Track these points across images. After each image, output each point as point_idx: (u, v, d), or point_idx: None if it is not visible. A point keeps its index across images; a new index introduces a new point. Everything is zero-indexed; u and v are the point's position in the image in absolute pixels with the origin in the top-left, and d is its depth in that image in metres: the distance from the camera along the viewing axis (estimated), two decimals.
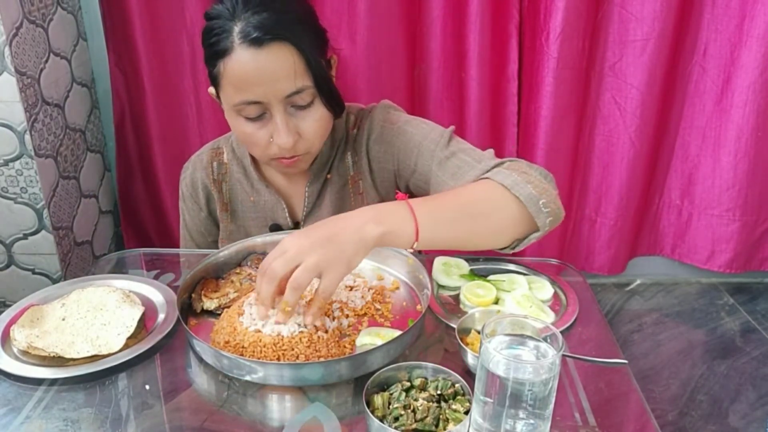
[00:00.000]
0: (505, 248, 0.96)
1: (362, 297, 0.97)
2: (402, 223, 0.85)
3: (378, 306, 0.96)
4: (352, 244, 0.81)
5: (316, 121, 1.00)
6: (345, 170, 1.16)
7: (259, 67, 0.93)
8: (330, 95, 1.01)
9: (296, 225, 1.18)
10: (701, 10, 1.90)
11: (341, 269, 0.81)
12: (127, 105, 1.98)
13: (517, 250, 0.96)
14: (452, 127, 1.09)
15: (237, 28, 0.93)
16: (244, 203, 1.19)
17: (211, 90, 1.05)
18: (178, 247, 1.29)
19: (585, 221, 2.18)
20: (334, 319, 0.91)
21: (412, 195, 1.16)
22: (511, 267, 1.07)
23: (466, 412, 0.72)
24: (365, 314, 0.94)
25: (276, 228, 1.17)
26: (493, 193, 0.92)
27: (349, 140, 1.15)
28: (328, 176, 1.15)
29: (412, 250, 0.89)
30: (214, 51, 0.96)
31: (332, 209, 1.16)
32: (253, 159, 1.16)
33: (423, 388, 0.76)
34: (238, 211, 1.20)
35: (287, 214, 1.17)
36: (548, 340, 0.69)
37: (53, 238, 1.71)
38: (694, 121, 2.05)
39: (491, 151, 1.04)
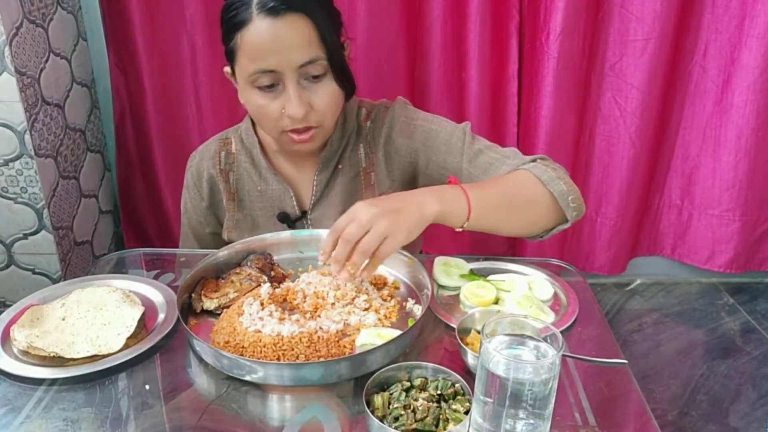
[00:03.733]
0: (533, 237, 1.06)
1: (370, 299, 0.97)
2: (457, 205, 0.94)
3: (381, 301, 0.97)
4: (415, 216, 0.90)
5: (327, 95, 1.03)
6: (357, 162, 1.18)
7: (275, 35, 0.96)
8: (342, 71, 1.04)
9: (303, 214, 1.19)
10: (701, 10, 1.90)
11: (402, 238, 0.89)
12: (127, 105, 1.98)
13: (544, 239, 1.07)
14: (469, 123, 1.15)
15: (255, 0, 0.96)
16: (251, 193, 1.20)
17: (227, 69, 1.08)
18: (177, 247, 1.29)
19: (585, 221, 2.18)
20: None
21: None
22: (511, 267, 1.07)
23: (466, 412, 0.72)
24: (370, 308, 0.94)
25: (284, 216, 1.18)
26: (531, 185, 1.01)
27: (361, 133, 1.18)
28: (339, 166, 1.17)
29: (461, 229, 0.96)
30: (233, 24, 0.99)
31: (341, 199, 1.17)
32: (263, 148, 1.17)
33: (423, 388, 0.76)
34: (245, 201, 1.21)
35: (295, 203, 1.18)
36: (548, 340, 0.69)
37: (53, 238, 1.71)
38: (694, 121, 2.05)
39: (515, 149, 1.11)
